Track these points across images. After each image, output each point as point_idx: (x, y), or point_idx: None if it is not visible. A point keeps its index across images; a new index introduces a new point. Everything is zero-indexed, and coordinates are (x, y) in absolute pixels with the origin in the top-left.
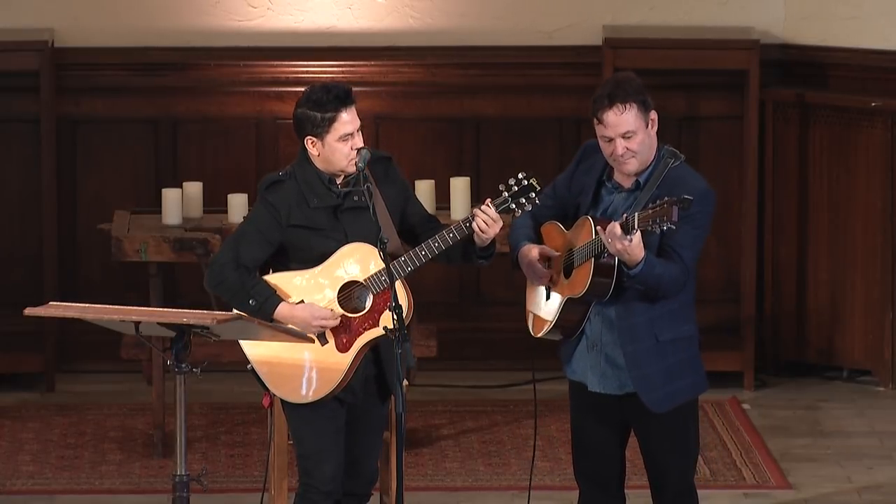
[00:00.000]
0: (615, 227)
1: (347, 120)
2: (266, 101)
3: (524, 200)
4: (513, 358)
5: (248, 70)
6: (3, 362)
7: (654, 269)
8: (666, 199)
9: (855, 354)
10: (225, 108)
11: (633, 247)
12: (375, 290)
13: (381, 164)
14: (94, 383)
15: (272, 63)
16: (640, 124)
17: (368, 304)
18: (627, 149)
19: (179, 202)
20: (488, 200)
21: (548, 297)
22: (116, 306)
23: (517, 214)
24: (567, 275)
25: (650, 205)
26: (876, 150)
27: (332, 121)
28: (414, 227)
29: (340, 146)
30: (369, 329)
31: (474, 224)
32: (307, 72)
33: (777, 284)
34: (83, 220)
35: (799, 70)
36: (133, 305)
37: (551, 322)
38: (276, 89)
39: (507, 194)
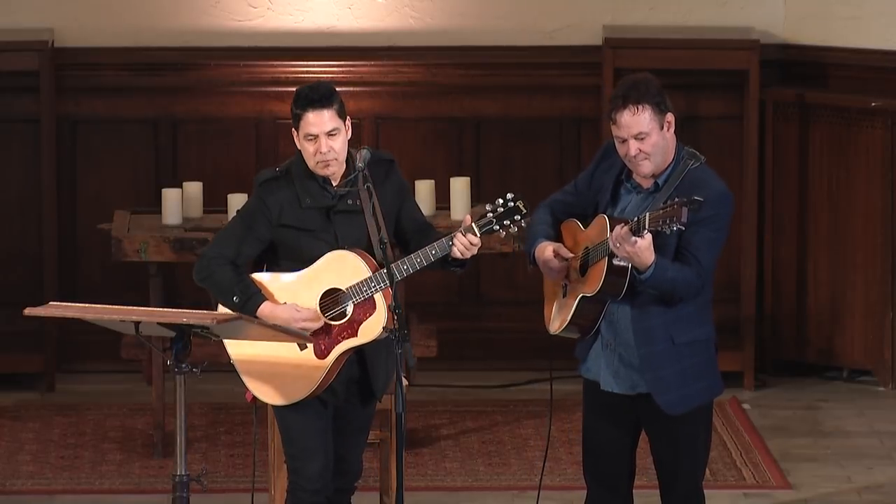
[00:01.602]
0: (622, 230)
1: (312, 121)
2: (266, 101)
3: (508, 223)
4: (513, 358)
5: (248, 70)
6: (3, 362)
7: (665, 273)
8: (676, 199)
9: (855, 354)
10: (225, 108)
11: (643, 250)
12: (356, 299)
13: (383, 166)
14: (94, 383)
15: (272, 63)
16: (654, 126)
17: (349, 312)
18: (640, 150)
19: (179, 202)
20: (472, 223)
21: (564, 295)
22: (116, 306)
23: (501, 236)
24: (583, 273)
25: (660, 205)
26: (876, 150)
27: (299, 118)
28: (405, 231)
29: (306, 146)
30: (348, 338)
31: (453, 250)
32: (307, 72)
33: (777, 284)
34: (83, 220)
35: (799, 70)
36: (133, 305)
37: (567, 319)
38: (276, 89)
39: (491, 215)
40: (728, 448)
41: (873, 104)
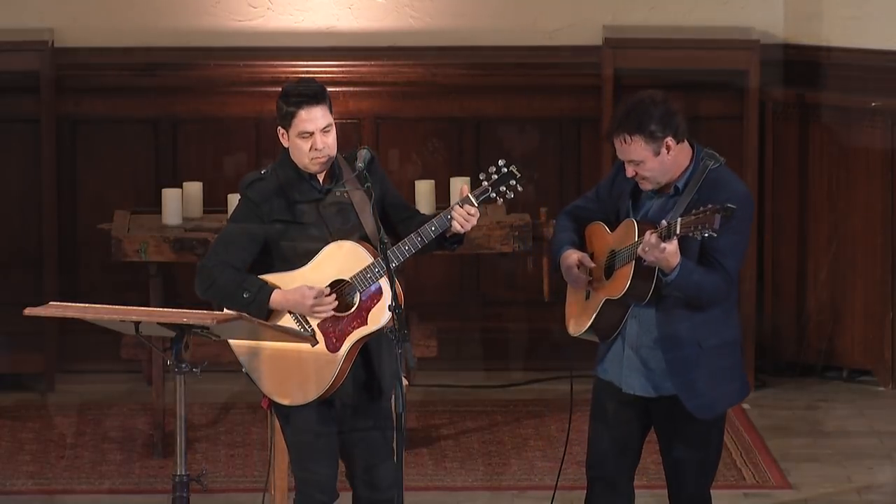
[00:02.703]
0: (651, 236)
1: (306, 118)
2: (266, 101)
3: (504, 189)
4: (513, 358)
5: (248, 70)
6: (3, 362)
7: (691, 276)
8: (709, 206)
9: (855, 354)
10: (225, 108)
11: (669, 254)
12: (362, 287)
13: (367, 160)
14: (94, 383)
15: (272, 63)
16: (648, 154)
17: (356, 302)
18: (637, 173)
19: (179, 202)
20: (468, 193)
21: (587, 298)
22: (116, 306)
23: (499, 203)
24: (608, 276)
25: (693, 210)
26: (876, 150)
27: (292, 115)
28: (390, 216)
29: (300, 143)
30: (359, 327)
31: (454, 223)
32: (307, 72)
33: (777, 284)
34: (83, 220)
35: (799, 70)
36: (133, 305)
37: (589, 322)
38: (276, 89)
39: (486, 184)
40: (728, 448)
41: (873, 104)
